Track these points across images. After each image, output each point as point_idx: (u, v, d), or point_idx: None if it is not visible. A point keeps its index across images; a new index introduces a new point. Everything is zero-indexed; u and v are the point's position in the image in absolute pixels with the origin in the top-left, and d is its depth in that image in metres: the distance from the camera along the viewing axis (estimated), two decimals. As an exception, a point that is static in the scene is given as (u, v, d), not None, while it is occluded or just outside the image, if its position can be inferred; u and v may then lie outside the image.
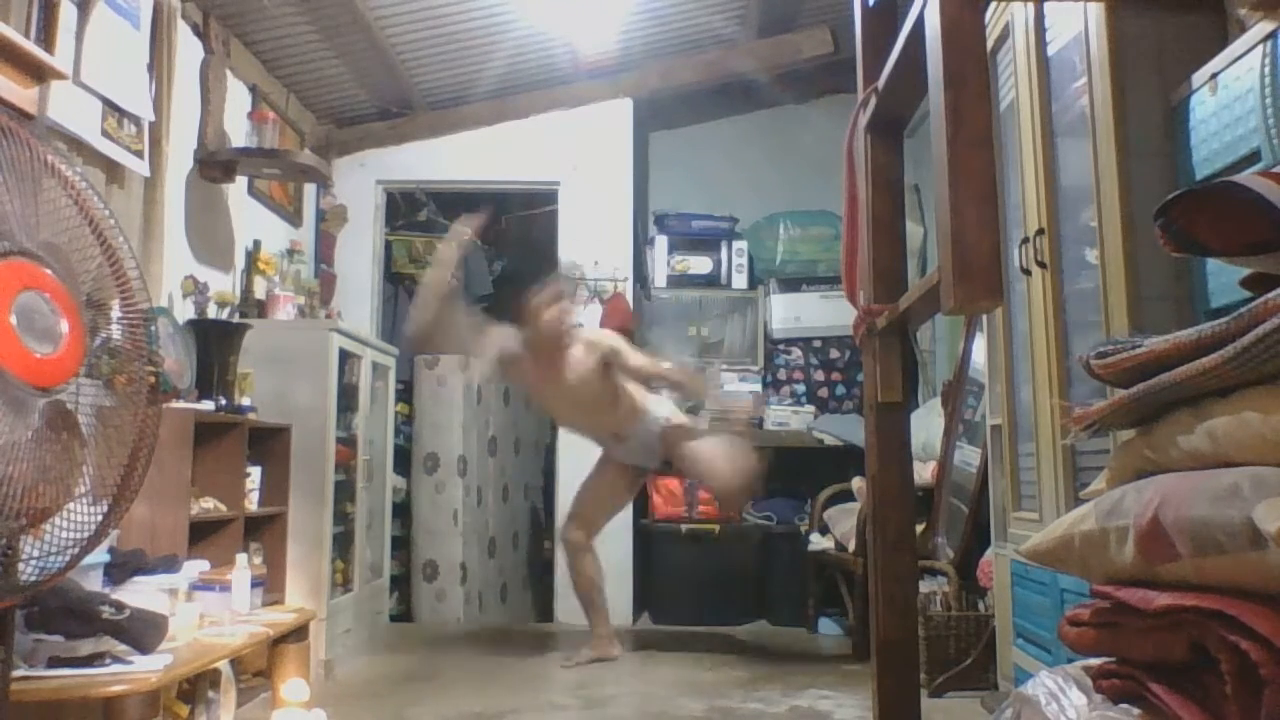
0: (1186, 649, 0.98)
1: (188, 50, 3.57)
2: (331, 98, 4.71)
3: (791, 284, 5.41)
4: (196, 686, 2.50)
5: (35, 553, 1.59)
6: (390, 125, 5.00)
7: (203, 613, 2.63)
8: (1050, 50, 2.49)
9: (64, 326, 1.58)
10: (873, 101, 1.83)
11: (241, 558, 2.87)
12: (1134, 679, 1.09)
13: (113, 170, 3.06)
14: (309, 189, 4.77)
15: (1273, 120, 1.70)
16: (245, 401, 3.45)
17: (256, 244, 4.08)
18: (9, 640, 1.70)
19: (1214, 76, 1.90)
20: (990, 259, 1.23)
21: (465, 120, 5.05)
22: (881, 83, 1.76)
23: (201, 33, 3.69)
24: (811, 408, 5.24)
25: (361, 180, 5.08)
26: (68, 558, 1.63)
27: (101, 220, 1.71)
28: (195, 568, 2.71)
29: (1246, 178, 1.13)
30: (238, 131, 3.87)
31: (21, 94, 1.73)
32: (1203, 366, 1.01)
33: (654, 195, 5.76)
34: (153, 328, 1.79)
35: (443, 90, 4.84)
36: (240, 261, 4.00)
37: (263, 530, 3.45)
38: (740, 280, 5.38)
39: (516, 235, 5.98)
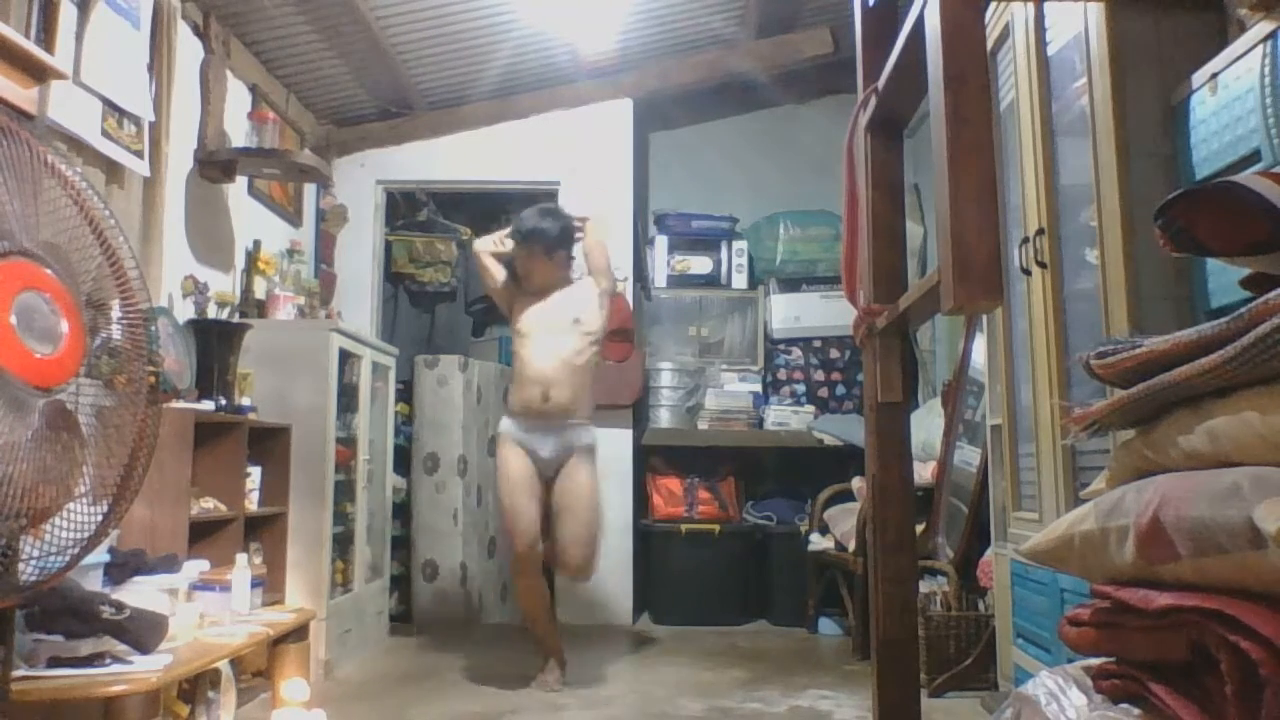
0: (1187, 649, 0.98)
1: (188, 50, 3.57)
2: (331, 98, 4.71)
3: (791, 284, 5.42)
4: (196, 686, 2.50)
5: (35, 553, 1.59)
6: (390, 125, 5.00)
7: (203, 613, 2.63)
8: (1050, 50, 2.49)
9: (64, 326, 1.58)
10: (873, 101, 1.83)
11: (241, 558, 2.88)
12: (1134, 679, 1.09)
13: (113, 170, 3.06)
14: (309, 189, 4.77)
15: (1273, 120, 1.70)
16: (245, 401, 3.45)
17: (256, 244, 4.08)
18: (9, 640, 1.70)
19: (1214, 76, 1.91)
20: (990, 259, 1.23)
21: (465, 120, 5.05)
22: (881, 83, 1.76)
23: (201, 33, 3.69)
24: (811, 408, 5.24)
25: (361, 180, 5.08)
26: (68, 558, 1.63)
27: (101, 220, 1.71)
28: (195, 568, 2.71)
29: (1247, 178, 1.13)
30: (238, 131, 3.87)
31: (21, 94, 1.73)
32: (1203, 366, 1.01)
33: (654, 195, 5.76)
34: (153, 328, 1.79)
35: (443, 90, 4.84)
36: (240, 261, 4.00)
37: (263, 530, 3.45)
38: (740, 280, 5.38)
39: (516, 235, 5.97)
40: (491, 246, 3.93)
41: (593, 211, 4.04)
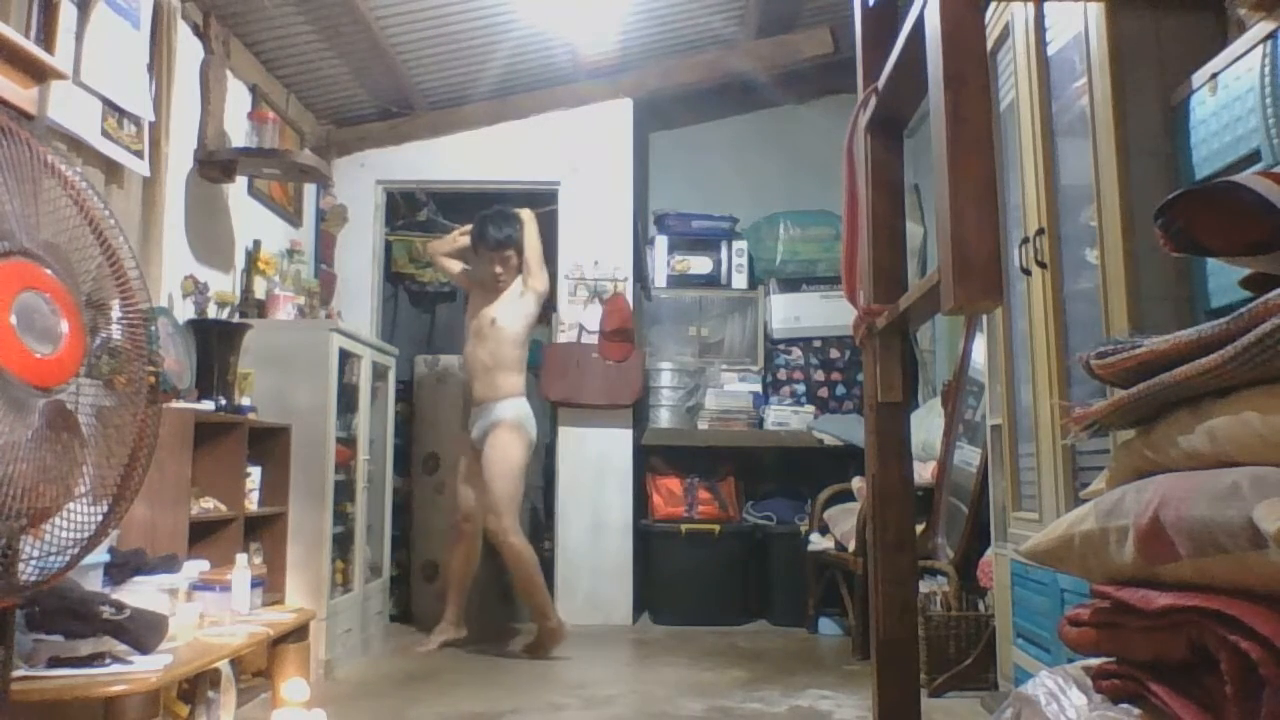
0: (1186, 649, 0.98)
1: (188, 50, 3.57)
2: (331, 98, 4.71)
3: (791, 284, 5.42)
4: (196, 686, 2.50)
5: (35, 553, 1.59)
6: (390, 125, 5.00)
7: (203, 613, 2.63)
8: (1050, 50, 2.49)
9: (64, 326, 1.58)
10: (873, 101, 1.83)
11: (241, 558, 2.87)
12: (1134, 679, 1.09)
13: (113, 170, 3.06)
14: (309, 189, 4.77)
15: (1273, 120, 1.70)
16: (245, 401, 3.45)
17: (256, 244, 4.08)
18: (9, 640, 1.70)
19: (1214, 76, 1.90)
20: (990, 259, 1.23)
21: (465, 120, 5.05)
22: (881, 83, 1.76)
23: (201, 33, 3.69)
24: (811, 408, 5.24)
25: (361, 180, 5.08)
26: (68, 558, 1.63)
27: (101, 220, 1.71)
28: (195, 568, 2.71)
29: (1247, 178, 1.13)
30: (238, 131, 3.87)
31: (21, 94, 1.73)
32: (1203, 366, 1.01)
33: (654, 195, 5.76)
34: (153, 328, 1.79)
35: (443, 90, 4.84)
36: (240, 261, 4.00)
37: (263, 530, 3.45)
38: (740, 280, 5.39)
39: (516, 235, 5.97)
40: (447, 247, 4.46)
41: (525, 212, 4.38)
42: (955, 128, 1.26)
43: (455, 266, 4.46)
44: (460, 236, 4.43)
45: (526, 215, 4.34)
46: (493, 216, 4.30)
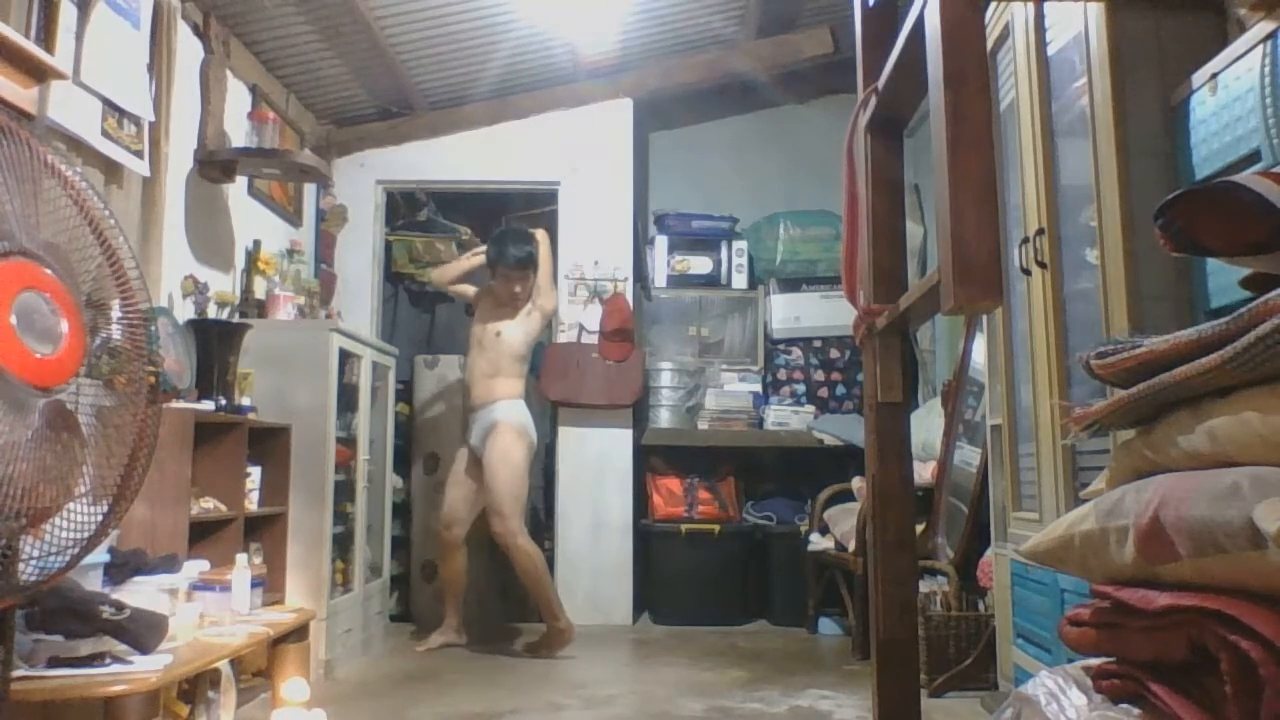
0: (1186, 649, 0.98)
1: (188, 50, 3.57)
2: (331, 98, 4.71)
3: (791, 284, 5.42)
4: (196, 686, 2.50)
5: (35, 553, 1.59)
6: (390, 125, 5.00)
7: (203, 613, 2.63)
8: (1050, 50, 2.49)
9: (64, 326, 1.58)
10: (873, 101, 1.83)
11: (241, 558, 2.87)
12: (1134, 679, 1.09)
13: (112, 170, 3.06)
14: (309, 189, 4.77)
15: (1273, 120, 1.70)
16: (245, 401, 3.45)
17: (256, 244, 4.08)
18: (9, 640, 1.70)
19: (1214, 76, 1.91)
20: (990, 259, 1.23)
21: (465, 120, 5.05)
22: (881, 83, 1.76)
23: (201, 33, 3.69)
24: (811, 408, 5.24)
25: (361, 180, 5.09)
26: (68, 558, 1.63)
27: (101, 220, 1.71)
28: (195, 568, 2.71)
29: (1247, 178, 1.13)
30: (238, 131, 3.87)
31: (21, 94, 1.73)
32: (1203, 366, 1.01)
33: (654, 195, 5.76)
34: (153, 328, 1.79)
35: (443, 90, 4.84)
36: (240, 261, 4.00)
37: (263, 530, 3.45)
38: (740, 280, 5.39)
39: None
40: (455, 273, 4.50)
41: (540, 233, 4.44)
42: (955, 127, 1.26)
43: (470, 291, 4.51)
44: (471, 259, 4.47)
45: (541, 235, 4.38)
46: (511, 236, 4.33)
